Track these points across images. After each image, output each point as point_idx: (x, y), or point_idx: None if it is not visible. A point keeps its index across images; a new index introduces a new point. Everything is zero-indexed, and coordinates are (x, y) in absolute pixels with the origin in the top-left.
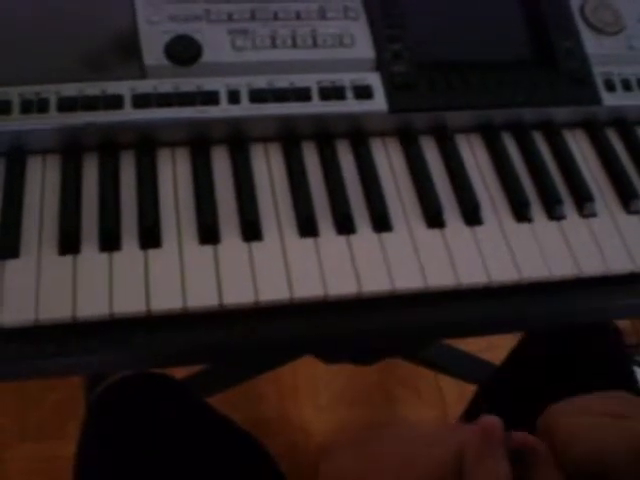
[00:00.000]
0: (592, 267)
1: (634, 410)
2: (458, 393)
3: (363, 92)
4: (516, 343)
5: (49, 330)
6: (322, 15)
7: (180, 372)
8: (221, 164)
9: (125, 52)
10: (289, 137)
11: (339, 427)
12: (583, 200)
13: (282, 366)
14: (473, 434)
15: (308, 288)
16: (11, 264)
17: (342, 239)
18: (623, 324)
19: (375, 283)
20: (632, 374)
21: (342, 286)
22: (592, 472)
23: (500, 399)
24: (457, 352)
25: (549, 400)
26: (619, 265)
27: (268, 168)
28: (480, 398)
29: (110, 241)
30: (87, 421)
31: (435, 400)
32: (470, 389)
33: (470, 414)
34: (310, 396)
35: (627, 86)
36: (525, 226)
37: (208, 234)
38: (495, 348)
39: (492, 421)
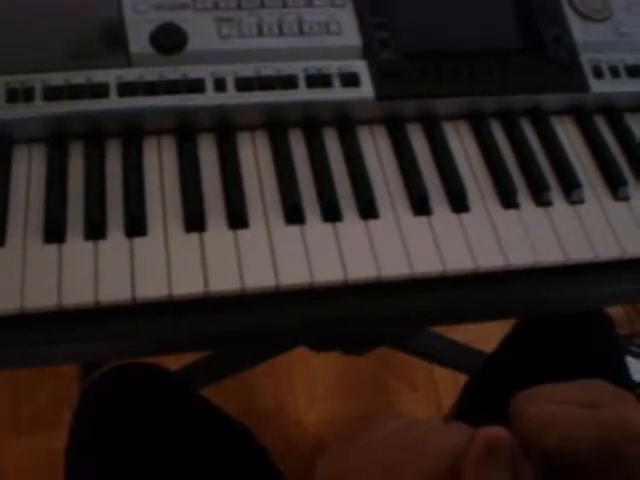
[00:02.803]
0: (580, 254)
1: (607, 399)
2: (452, 383)
3: (350, 79)
4: (507, 332)
5: (36, 319)
6: (309, 3)
7: (174, 363)
8: (207, 152)
9: (111, 41)
10: (276, 125)
11: (333, 418)
12: (571, 187)
13: (276, 357)
14: (475, 446)
15: (294, 275)
16: None
17: (328, 226)
18: (617, 314)
19: (362, 270)
20: (624, 364)
21: (329, 273)
22: (563, 462)
23: (491, 389)
24: (450, 342)
25: None
26: (607, 252)
27: (255, 156)
28: (471, 387)
29: (95, 229)
30: (78, 411)
31: (429, 390)
32: (464, 379)
33: (462, 403)
34: (305, 388)
35: (615, 73)
36: (512, 213)
37: (194, 222)
38: (487, 338)
39: (497, 433)
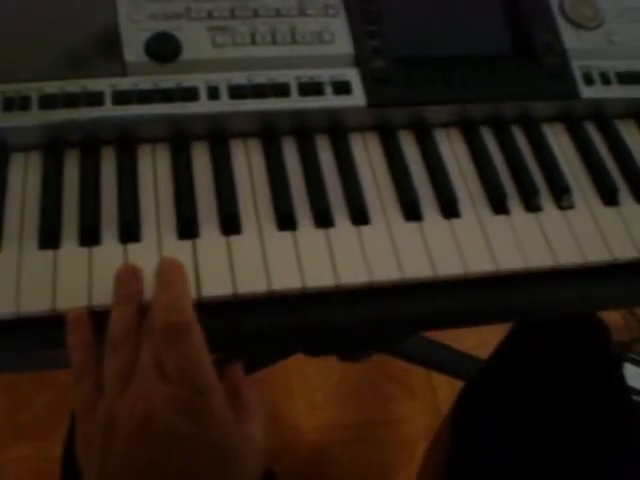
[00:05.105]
0: (569, 258)
1: None
2: (450, 389)
3: (342, 87)
4: (502, 339)
5: (32, 323)
6: (302, 12)
7: None
8: (201, 160)
9: (106, 50)
10: (269, 132)
11: (332, 425)
12: (561, 192)
13: (272, 364)
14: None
15: (286, 280)
16: None
17: (320, 232)
18: (615, 321)
19: (353, 275)
20: (619, 369)
21: (320, 278)
22: None
23: (486, 394)
24: (447, 349)
25: (535, 395)
26: (596, 256)
27: (248, 163)
28: (467, 393)
29: (90, 235)
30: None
31: (427, 397)
32: (462, 385)
33: (458, 409)
34: (303, 395)
35: (606, 80)
36: (502, 218)
37: (187, 229)
38: (485, 345)
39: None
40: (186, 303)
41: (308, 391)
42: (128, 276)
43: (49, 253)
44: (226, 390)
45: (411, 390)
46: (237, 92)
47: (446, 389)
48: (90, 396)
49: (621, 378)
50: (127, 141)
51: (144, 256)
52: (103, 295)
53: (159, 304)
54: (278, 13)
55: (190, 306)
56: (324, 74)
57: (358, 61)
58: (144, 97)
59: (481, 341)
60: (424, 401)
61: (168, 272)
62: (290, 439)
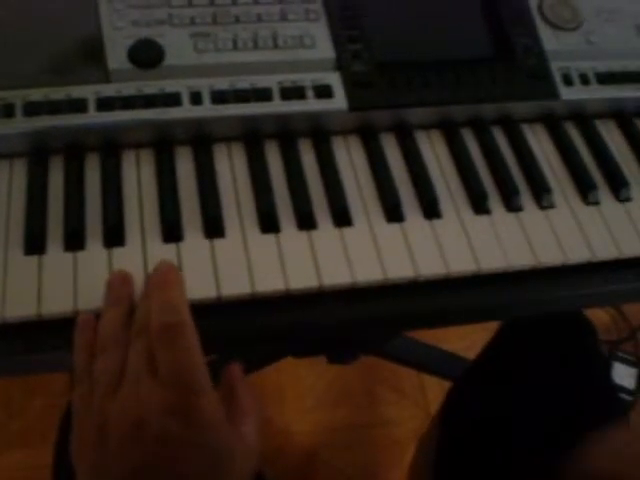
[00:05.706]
0: (550, 257)
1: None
2: (440, 391)
3: (323, 91)
4: (489, 339)
5: (19, 328)
6: (283, 17)
7: None
8: (185, 164)
9: (90, 57)
10: (251, 137)
11: (323, 428)
12: (541, 192)
13: (263, 368)
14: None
15: (270, 282)
16: None
17: (303, 234)
18: (603, 320)
19: (336, 276)
20: (605, 368)
21: (303, 279)
22: None
23: (474, 394)
24: (437, 350)
25: (522, 394)
26: (577, 255)
27: (231, 167)
28: (455, 393)
29: (75, 241)
30: (64, 424)
31: (418, 398)
32: None
33: (446, 409)
34: (294, 398)
35: (585, 80)
36: (484, 218)
37: (171, 233)
38: (474, 347)
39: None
40: (182, 305)
41: (299, 395)
42: (119, 282)
43: (34, 258)
44: (222, 390)
45: (401, 392)
46: (220, 97)
47: (436, 391)
48: (87, 397)
49: (608, 377)
50: (111, 147)
51: (129, 260)
52: (88, 300)
53: (155, 305)
54: (259, 18)
55: (186, 308)
56: (306, 78)
57: (339, 65)
58: (127, 103)
59: (472, 343)
60: (414, 403)
61: (164, 274)
62: (281, 443)
